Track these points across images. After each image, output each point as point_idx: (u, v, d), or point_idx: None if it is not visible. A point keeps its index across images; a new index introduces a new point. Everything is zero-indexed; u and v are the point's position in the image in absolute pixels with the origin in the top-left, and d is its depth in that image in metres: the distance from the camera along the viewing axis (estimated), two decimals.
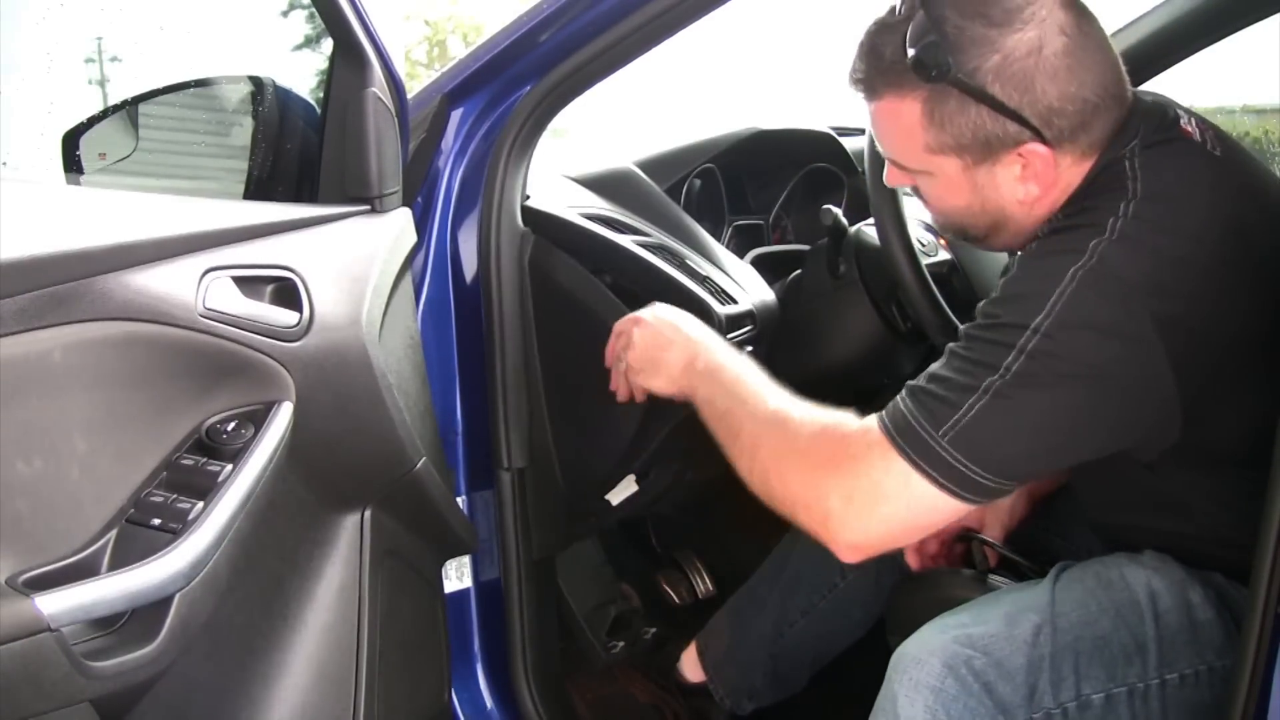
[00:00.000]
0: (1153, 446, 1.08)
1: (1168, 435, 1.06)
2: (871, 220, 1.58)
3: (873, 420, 1.07)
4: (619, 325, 1.37)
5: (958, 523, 1.40)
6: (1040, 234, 1.12)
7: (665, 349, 1.29)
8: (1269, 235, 1.08)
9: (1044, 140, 1.08)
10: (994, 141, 1.09)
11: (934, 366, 1.08)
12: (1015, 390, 1.01)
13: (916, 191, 1.23)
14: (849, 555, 1.08)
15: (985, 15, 1.05)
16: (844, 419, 1.11)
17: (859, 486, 1.05)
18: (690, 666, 1.66)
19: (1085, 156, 1.11)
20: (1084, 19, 1.08)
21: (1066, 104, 1.07)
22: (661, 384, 1.29)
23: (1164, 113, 1.13)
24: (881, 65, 1.12)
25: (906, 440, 1.03)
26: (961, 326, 1.10)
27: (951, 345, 1.08)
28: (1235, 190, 1.10)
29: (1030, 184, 1.11)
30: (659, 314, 1.34)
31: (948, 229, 1.26)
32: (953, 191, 1.15)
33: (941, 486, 1.02)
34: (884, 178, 1.24)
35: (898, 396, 1.07)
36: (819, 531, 1.08)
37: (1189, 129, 1.13)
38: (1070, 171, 1.11)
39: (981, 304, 1.09)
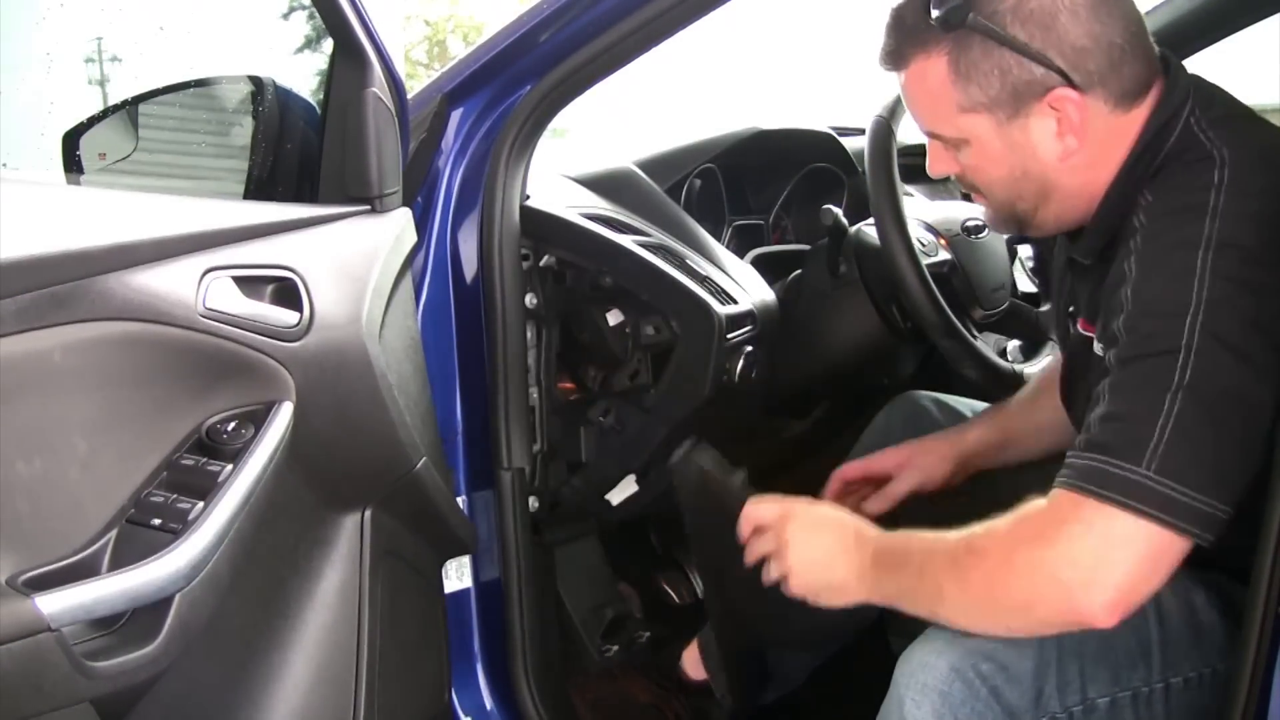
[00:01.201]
0: None
1: None
2: (871, 220, 1.58)
3: (1056, 492, 1.00)
4: (759, 518, 1.19)
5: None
6: (1135, 226, 1.07)
7: (830, 568, 1.13)
8: None
9: (1072, 85, 1.07)
10: (1022, 90, 1.09)
11: (1098, 411, 1.00)
12: (1201, 391, 0.95)
13: (962, 180, 1.21)
14: (1109, 617, 0.97)
15: None
16: (1024, 506, 1.02)
17: (1080, 549, 0.96)
18: (692, 665, 1.66)
19: (1120, 108, 1.10)
20: None
21: (1091, 43, 1.07)
22: (841, 600, 1.14)
23: (1219, 89, 1.13)
24: (905, 29, 1.13)
25: (1108, 486, 0.96)
26: (1107, 357, 1.03)
27: (1108, 381, 1.01)
28: None
29: (1068, 137, 1.10)
30: (806, 521, 1.17)
31: (999, 215, 1.22)
32: (992, 159, 1.14)
33: (1162, 522, 0.94)
34: (928, 167, 1.22)
35: (1069, 458, 1.00)
36: (1071, 611, 0.97)
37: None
38: (1109, 125, 1.10)
39: (1117, 323, 1.02)
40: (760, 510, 1.19)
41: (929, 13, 1.08)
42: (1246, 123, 1.11)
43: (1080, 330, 1.21)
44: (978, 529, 1.04)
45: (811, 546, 1.14)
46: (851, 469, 1.43)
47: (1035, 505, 1.01)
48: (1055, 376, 1.39)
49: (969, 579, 1.03)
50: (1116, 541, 0.96)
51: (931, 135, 1.19)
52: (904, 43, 1.14)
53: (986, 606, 1.03)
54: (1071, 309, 1.25)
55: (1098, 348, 1.11)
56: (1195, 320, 0.97)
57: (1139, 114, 1.10)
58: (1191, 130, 1.08)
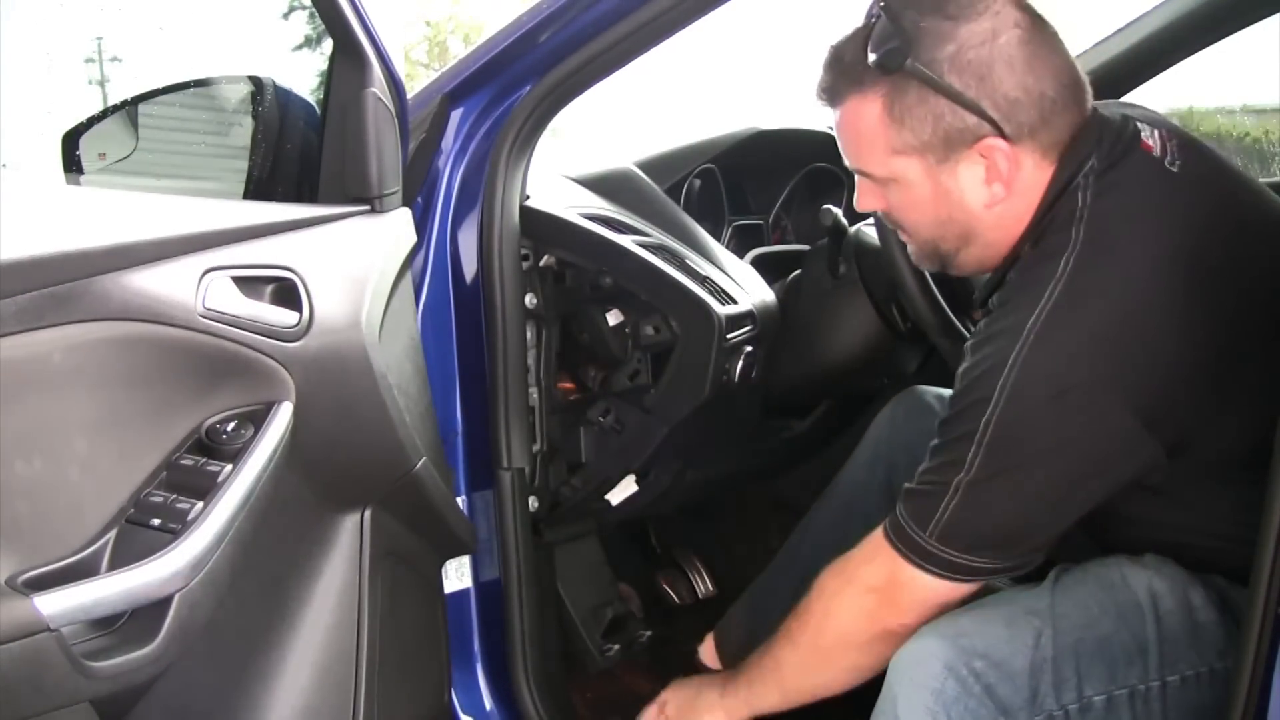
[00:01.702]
0: (1146, 479, 1.09)
1: (1155, 469, 1.07)
2: (871, 220, 1.58)
3: (879, 530, 1.16)
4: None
5: None
6: (997, 296, 1.13)
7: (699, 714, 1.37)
8: (1233, 245, 1.09)
9: (1003, 135, 1.09)
10: (954, 136, 1.10)
11: (921, 465, 1.13)
12: (981, 484, 1.06)
13: (888, 217, 1.24)
14: (892, 642, 1.14)
15: (942, 10, 1.08)
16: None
17: (876, 580, 1.15)
18: (708, 658, 1.66)
19: (1045, 159, 1.12)
20: (1037, 20, 1.11)
21: (1023, 95, 1.08)
22: None
23: (1124, 126, 1.13)
24: (843, 68, 1.14)
25: (901, 541, 1.12)
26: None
27: (931, 441, 1.13)
28: (1188, 209, 1.10)
29: (996, 185, 1.12)
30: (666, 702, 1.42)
31: (922, 251, 1.25)
32: (918, 200, 1.16)
33: (943, 577, 1.11)
34: (855, 201, 1.24)
35: (898, 502, 1.14)
36: (875, 624, 1.16)
37: (1149, 143, 1.13)
38: (1033, 176, 1.12)
39: (951, 392, 1.14)
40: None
41: (867, 54, 1.10)
42: (1134, 163, 1.11)
43: None
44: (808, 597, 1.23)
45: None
46: None
47: (846, 557, 1.20)
48: None
49: (797, 639, 1.23)
50: (903, 586, 1.13)
51: (860, 173, 1.20)
52: (840, 81, 1.15)
53: (813, 652, 1.22)
54: None
55: None
56: (992, 416, 1.05)
57: (1055, 167, 1.12)
58: (1075, 195, 1.09)
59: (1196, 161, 1.14)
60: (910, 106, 1.10)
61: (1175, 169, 1.12)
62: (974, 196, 1.13)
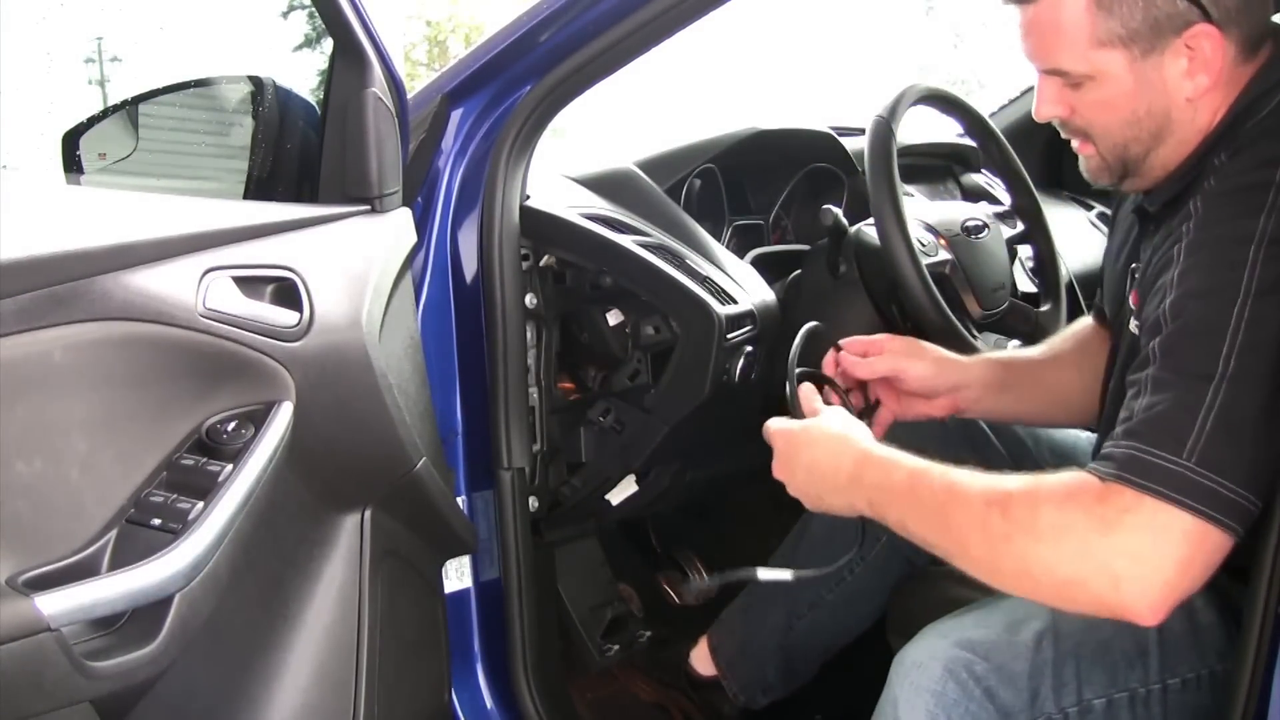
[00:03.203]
0: None
1: None
2: (871, 220, 1.58)
3: (1094, 476, 0.96)
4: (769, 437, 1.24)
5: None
6: (1203, 189, 1.04)
7: (828, 480, 1.16)
8: None
9: (1211, 21, 1.05)
10: (1163, 24, 1.06)
11: (1140, 401, 0.97)
12: (1242, 382, 0.93)
13: (1068, 125, 1.16)
14: (1153, 614, 0.94)
15: None
16: (1067, 480, 0.99)
17: (1136, 542, 0.93)
18: (702, 661, 1.66)
19: (1243, 52, 1.07)
20: None
21: None
22: (839, 508, 1.17)
23: None
24: None
25: (1150, 477, 0.93)
26: (1151, 345, 1.00)
27: (1150, 370, 0.98)
28: None
29: (1201, 75, 1.07)
30: (802, 438, 1.20)
31: (1109, 158, 1.16)
32: (1116, 98, 1.10)
33: (1205, 516, 0.92)
34: (1035, 109, 1.17)
35: (1108, 446, 0.97)
36: (1116, 603, 0.94)
37: None
38: (1230, 71, 1.07)
39: (1163, 307, 1.00)
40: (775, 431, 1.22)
41: None
42: None
43: (1131, 304, 1.17)
44: (1011, 488, 1.00)
45: (808, 462, 1.18)
46: (850, 342, 1.37)
47: (1083, 484, 0.97)
48: (1079, 340, 1.40)
49: (1001, 549, 0.99)
50: (1162, 535, 0.92)
51: (1052, 72, 1.14)
52: None
53: (1020, 577, 0.99)
54: (1134, 265, 1.21)
55: (1134, 326, 1.09)
56: (1243, 310, 0.94)
57: (1252, 67, 1.08)
58: None
59: None
60: None
61: None
62: (1175, 89, 1.08)
